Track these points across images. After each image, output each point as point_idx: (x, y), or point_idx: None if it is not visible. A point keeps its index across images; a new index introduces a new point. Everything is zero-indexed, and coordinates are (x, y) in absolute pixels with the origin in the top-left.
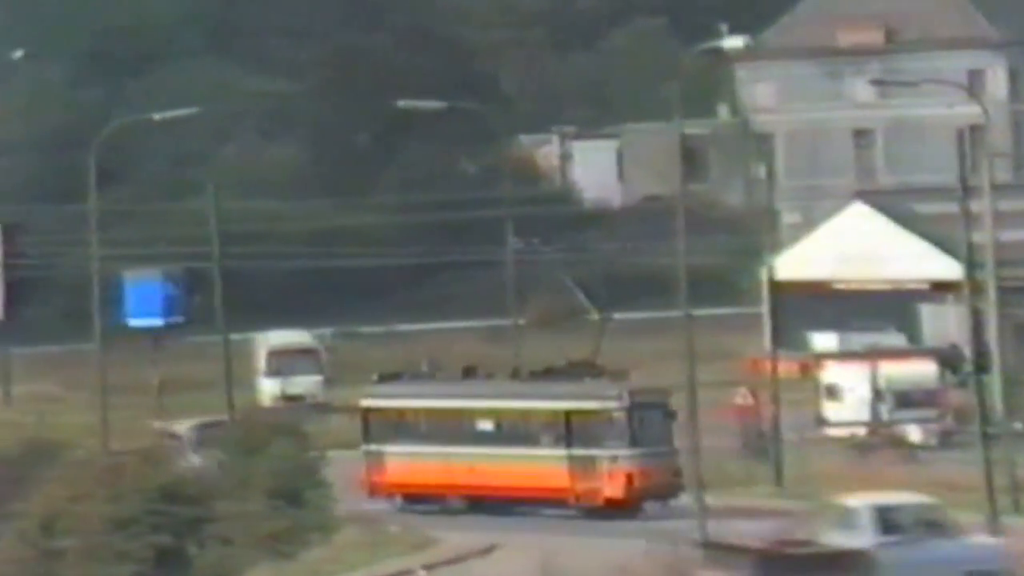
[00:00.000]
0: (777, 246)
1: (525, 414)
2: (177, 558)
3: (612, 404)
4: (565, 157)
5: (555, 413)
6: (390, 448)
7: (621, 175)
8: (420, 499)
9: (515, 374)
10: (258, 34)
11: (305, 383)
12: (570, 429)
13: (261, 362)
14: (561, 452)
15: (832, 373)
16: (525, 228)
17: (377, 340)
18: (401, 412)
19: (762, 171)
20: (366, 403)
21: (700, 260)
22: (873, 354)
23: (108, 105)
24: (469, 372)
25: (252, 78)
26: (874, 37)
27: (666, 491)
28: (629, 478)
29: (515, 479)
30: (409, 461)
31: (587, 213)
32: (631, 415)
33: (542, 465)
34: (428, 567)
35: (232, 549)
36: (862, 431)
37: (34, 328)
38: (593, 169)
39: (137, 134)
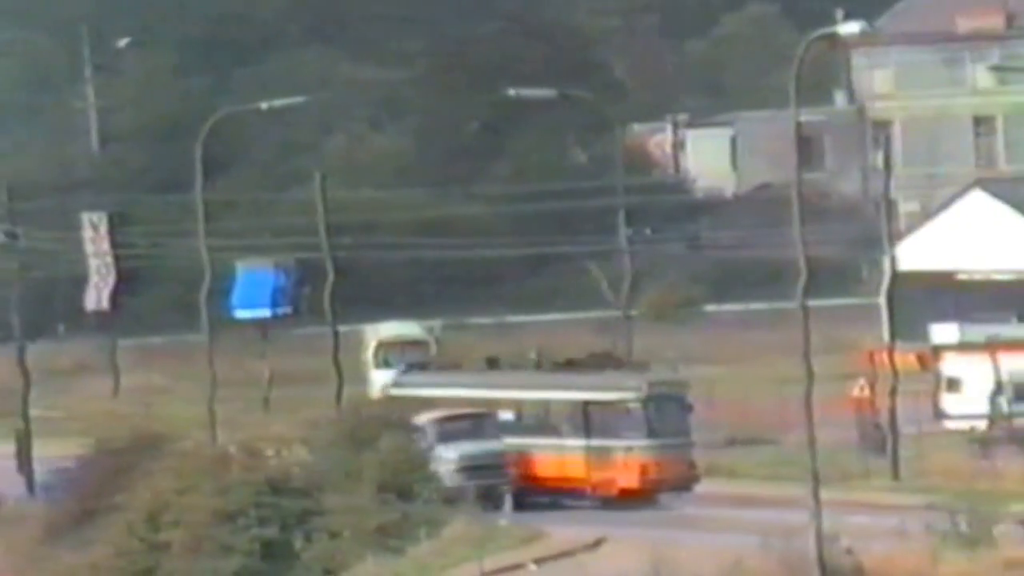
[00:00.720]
0: (895, 235)
1: (545, 405)
2: (284, 551)
3: (629, 395)
4: (678, 145)
5: (574, 404)
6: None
7: (735, 163)
8: None
9: (538, 365)
10: (366, 22)
11: None
12: (588, 420)
13: (370, 354)
14: (579, 442)
15: (952, 365)
16: (637, 218)
17: (487, 331)
18: (427, 402)
19: (879, 159)
20: (394, 392)
21: (816, 250)
22: (994, 345)
23: (215, 94)
24: (493, 363)
25: (360, 67)
26: (994, 22)
27: (681, 482)
28: (644, 469)
29: (535, 469)
30: None
31: (700, 202)
32: (647, 406)
33: (560, 455)
34: (538, 561)
35: (339, 542)
36: (982, 424)
37: (141, 319)
38: (706, 157)
39: (244, 123)
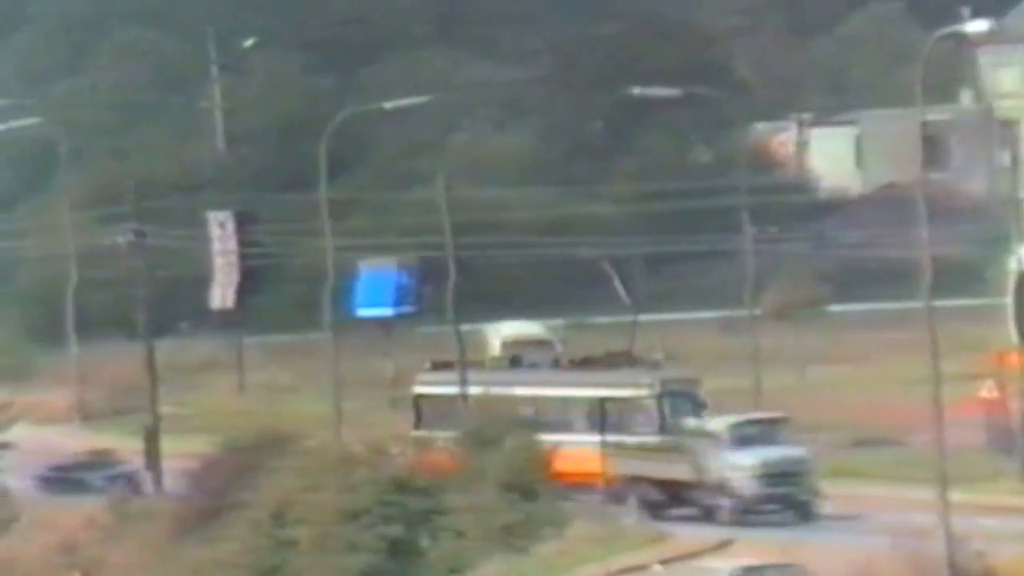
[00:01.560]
0: (1022, 235)
1: (563, 401)
2: (409, 550)
3: (643, 392)
4: (802, 144)
5: (590, 401)
6: (439, 434)
7: (860, 162)
8: None
9: (556, 363)
10: (489, 22)
11: None
12: (604, 416)
13: (494, 352)
14: (595, 438)
15: None
16: (761, 217)
17: (610, 331)
18: (450, 399)
19: (1006, 158)
20: (418, 390)
21: (942, 249)
22: None
23: (340, 94)
24: (515, 361)
25: (483, 66)
26: None
27: None
28: None
29: (554, 464)
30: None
31: (824, 201)
32: (661, 403)
33: (577, 450)
34: (664, 562)
35: (465, 542)
36: None
37: (266, 317)
38: (831, 156)
39: (368, 123)
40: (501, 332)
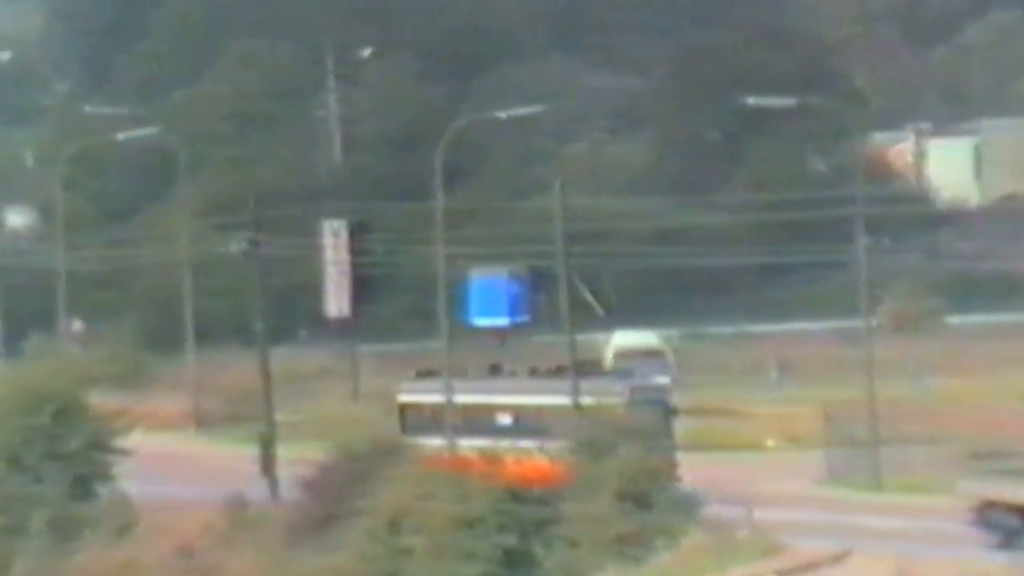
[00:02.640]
0: None
1: (537, 409)
2: (524, 558)
3: (613, 400)
4: (920, 155)
5: (562, 408)
6: (423, 440)
7: (978, 173)
8: None
9: (534, 372)
10: (605, 31)
11: None
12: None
13: (608, 363)
14: (567, 444)
15: None
16: (877, 227)
17: (724, 341)
18: (433, 407)
19: None
20: (403, 398)
21: None
22: None
23: (455, 103)
24: (494, 369)
25: (599, 75)
26: None
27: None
28: None
29: (529, 469)
30: (439, 452)
31: (941, 213)
32: (630, 410)
33: (551, 456)
34: (781, 573)
35: (579, 551)
36: None
37: (381, 325)
38: (949, 167)
39: (483, 132)
40: (615, 342)
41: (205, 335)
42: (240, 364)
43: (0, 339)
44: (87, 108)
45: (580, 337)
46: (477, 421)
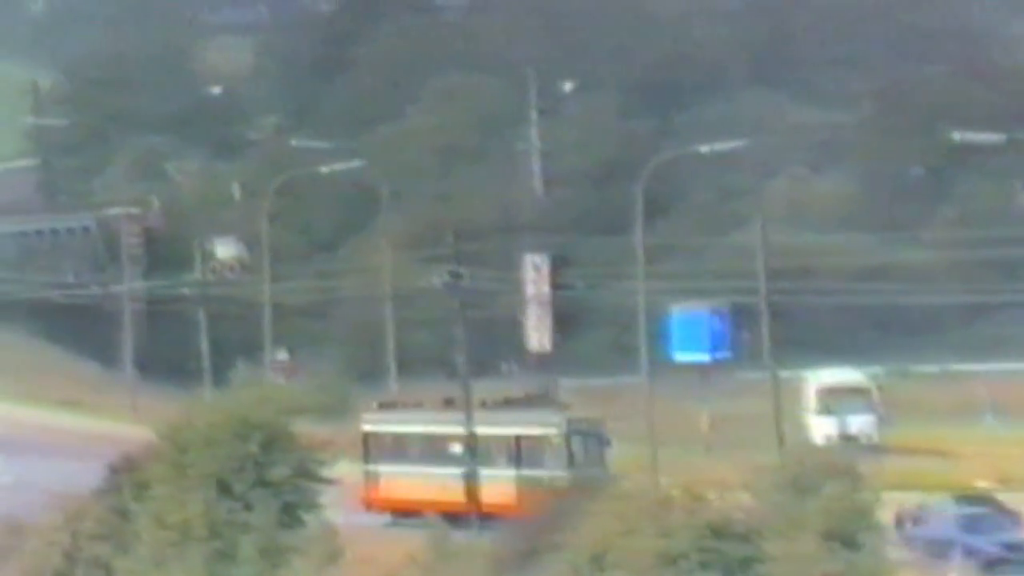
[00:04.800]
0: None
1: (484, 439)
2: None
3: (552, 431)
4: None
5: (507, 438)
6: (383, 468)
7: None
8: (405, 514)
9: (484, 404)
10: (808, 65)
11: (857, 423)
12: (519, 452)
13: (811, 400)
14: (511, 472)
15: None
16: None
17: (930, 379)
18: (392, 436)
19: None
20: (365, 428)
21: None
22: None
23: (656, 137)
24: (448, 402)
25: (801, 109)
26: None
27: None
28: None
29: (477, 496)
30: (396, 480)
31: None
32: (569, 441)
33: (496, 484)
34: None
35: None
36: None
37: (581, 360)
38: None
39: (684, 166)
40: (819, 379)
41: (408, 367)
42: (444, 395)
43: (208, 368)
44: (293, 142)
45: (784, 374)
46: (431, 449)
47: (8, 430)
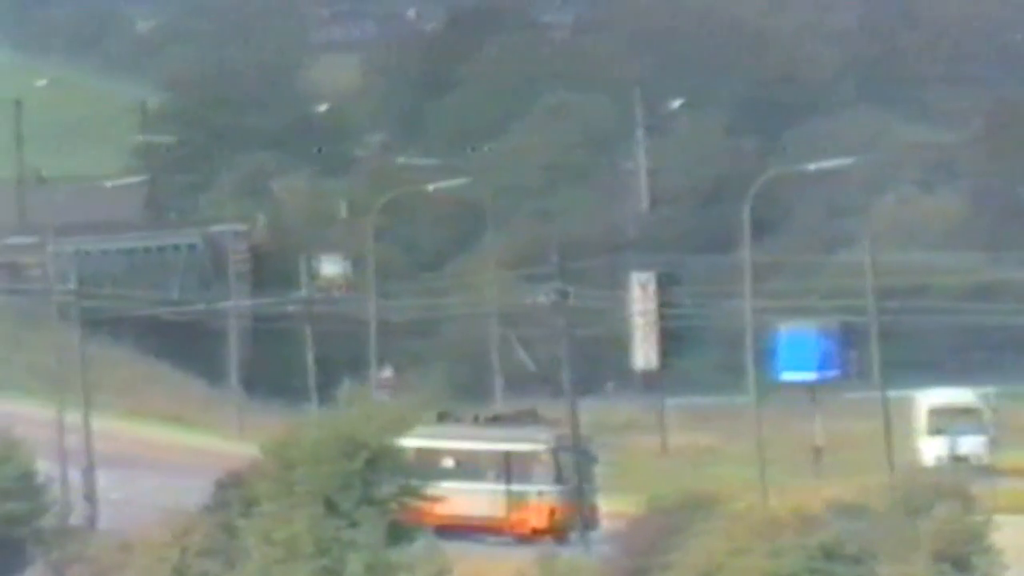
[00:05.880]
0: None
1: (475, 454)
2: None
3: (541, 447)
4: None
5: (497, 454)
6: None
7: None
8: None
9: (476, 419)
10: (919, 83)
11: (968, 443)
12: (508, 468)
13: (921, 421)
14: (501, 487)
15: None
16: None
17: None
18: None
19: None
20: None
21: None
22: None
23: (764, 155)
24: (442, 416)
25: (910, 127)
26: None
27: (585, 524)
28: (552, 511)
29: (469, 509)
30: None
31: None
32: (556, 457)
33: (486, 498)
34: None
35: None
36: None
37: (689, 379)
38: None
39: (792, 184)
40: (929, 399)
41: (513, 384)
42: (549, 414)
43: (313, 385)
44: (399, 159)
45: (893, 393)
46: (425, 464)
47: (117, 446)
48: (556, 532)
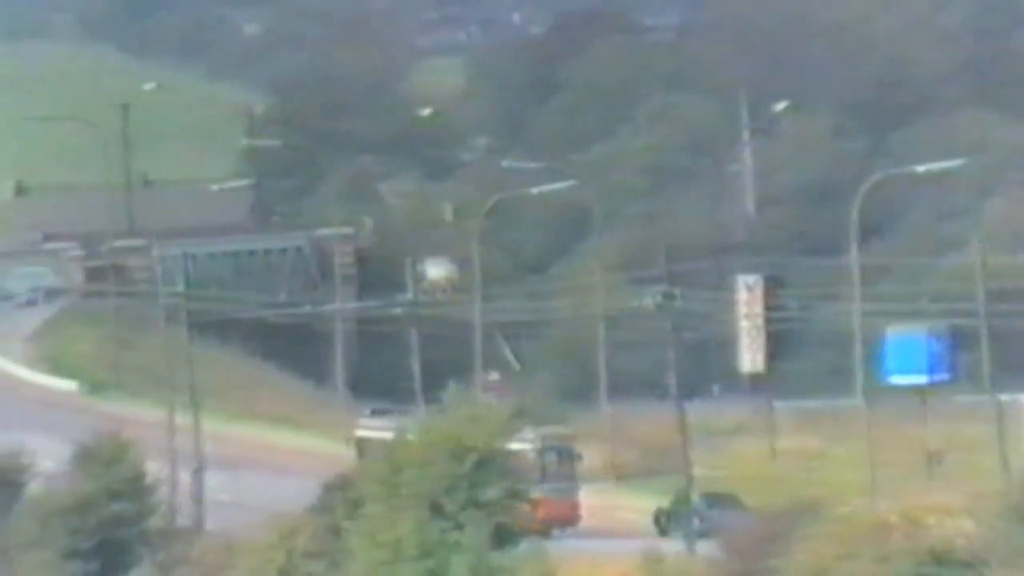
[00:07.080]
0: None
1: None
2: None
3: (526, 446)
4: None
5: None
6: None
7: None
8: None
9: None
10: None
11: None
12: None
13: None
14: None
15: None
16: None
17: None
18: (382, 442)
19: None
20: (360, 433)
21: None
22: None
23: (871, 157)
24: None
25: (1020, 128)
26: None
27: (567, 520)
28: (536, 508)
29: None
30: None
31: None
32: (541, 455)
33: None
34: None
35: None
36: None
37: (796, 382)
38: None
39: (899, 186)
40: None
41: (620, 387)
42: (654, 417)
43: (419, 388)
44: (504, 162)
45: (1003, 397)
46: None
47: (224, 448)
48: (541, 528)
